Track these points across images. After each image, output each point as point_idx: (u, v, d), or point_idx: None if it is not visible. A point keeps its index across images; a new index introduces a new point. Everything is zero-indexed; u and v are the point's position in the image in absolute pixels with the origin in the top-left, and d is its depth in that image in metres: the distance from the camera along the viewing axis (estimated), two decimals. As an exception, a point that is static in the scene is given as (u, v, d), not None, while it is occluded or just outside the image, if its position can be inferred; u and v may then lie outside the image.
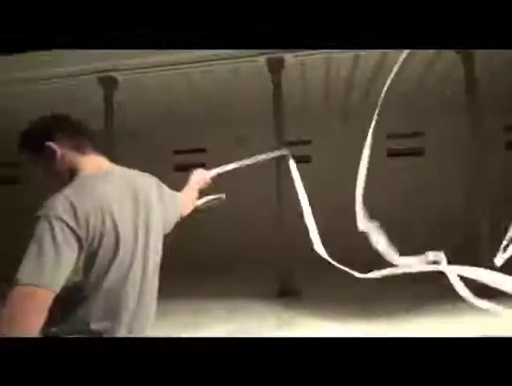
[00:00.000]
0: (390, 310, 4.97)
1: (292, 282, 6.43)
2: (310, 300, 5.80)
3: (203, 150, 11.25)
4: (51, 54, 7.25)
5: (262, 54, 6.82)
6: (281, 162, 6.84)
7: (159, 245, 1.35)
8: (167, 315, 5.31)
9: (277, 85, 7.00)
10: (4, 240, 9.43)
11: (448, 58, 6.97)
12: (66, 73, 7.49)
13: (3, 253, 8.58)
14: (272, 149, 6.87)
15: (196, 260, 9.96)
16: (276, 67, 6.92)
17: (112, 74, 7.41)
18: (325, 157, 10.66)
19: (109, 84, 7.51)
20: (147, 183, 1.36)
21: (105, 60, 7.16)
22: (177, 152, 11.51)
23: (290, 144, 8.44)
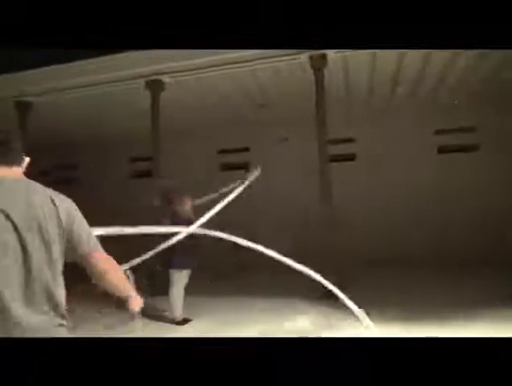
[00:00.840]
0: (440, 313, 4.78)
1: (341, 284, 6.31)
2: (358, 302, 5.68)
3: (247, 150, 11.36)
4: (98, 61, 7.66)
5: (303, 51, 6.76)
6: (326, 160, 6.78)
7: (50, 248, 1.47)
8: (209, 312, 5.43)
9: (320, 83, 6.91)
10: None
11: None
12: (114, 78, 7.83)
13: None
14: (315, 148, 6.90)
15: (242, 259, 10.07)
16: (319, 63, 6.84)
17: (158, 77, 7.67)
18: (370, 155, 10.40)
19: (155, 87, 7.77)
20: (39, 200, 1.49)
21: (152, 64, 7.44)
22: (221, 152, 11.69)
23: (333, 142, 8.35)
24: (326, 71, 6.95)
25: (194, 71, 7.48)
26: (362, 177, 10.21)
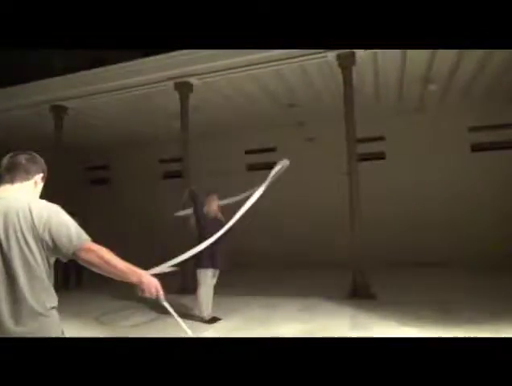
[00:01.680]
0: (469, 315, 4.63)
1: (367, 284, 6.24)
2: (384, 303, 5.59)
3: (273, 150, 11.36)
4: (128, 66, 7.89)
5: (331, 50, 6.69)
6: (353, 162, 6.68)
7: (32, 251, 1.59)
8: (238, 309, 5.47)
9: (348, 81, 6.82)
10: (96, 230, 10.31)
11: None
12: (143, 82, 8.03)
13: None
14: (343, 147, 6.81)
15: (271, 259, 10.11)
16: (347, 62, 6.74)
17: (187, 79, 7.79)
18: (400, 153, 10.18)
19: (184, 88, 7.89)
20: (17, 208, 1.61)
21: (180, 67, 7.58)
22: (248, 152, 11.74)
23: (362, 141, 8.21)
24: (354, 69, 6.85)
25: (221, 73, 7.55)
26: (392, 176, 10.01)
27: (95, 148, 12.63)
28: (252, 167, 11.59)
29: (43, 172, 1.83)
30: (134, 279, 1.72)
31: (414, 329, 4.23)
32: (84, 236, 1.66)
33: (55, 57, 9.41)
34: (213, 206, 5.18)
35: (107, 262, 1.64)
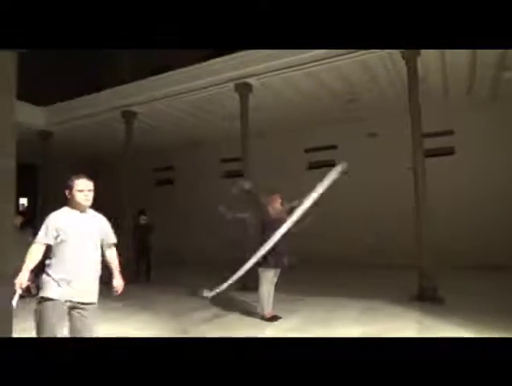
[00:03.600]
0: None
1: (434, 287, 5.91)
2: (453, 308, 5.25)
3: (334, 147, 11.16)
4: (189, 70, 8.22)
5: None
6: (419, 158, 6.35)
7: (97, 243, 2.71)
8: (296, 310, 5.45)
9: (412, 73, 6.49)
10: (163, 227, 10.83)
11: None
12: (205, 84, 8.31)
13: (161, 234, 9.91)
14: (406, 143, 6.50)
15: (335, 260, 9.96)
16: (411, 53, 6.42)
17: (246, 80, 7.93)
18: (469, 147, 9.48)
19: (244, 89, 8.04)
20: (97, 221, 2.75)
21: (240, 68, 7.75)
22: (307, 150, 11.65)
23: (428, 136, 7.78)
24: (419, 61, 6.51)
25: (279, 72, 7.58)
26: (462, 172, 9.38)
27: (161, 150, 13.30)
28: (312, 166, 11.49)
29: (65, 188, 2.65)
30: None
31: (484, 335, 3.93)
32: None
33: (125, 66, 10.08)
34: (276, 206, 5.14)
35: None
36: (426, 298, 5.78)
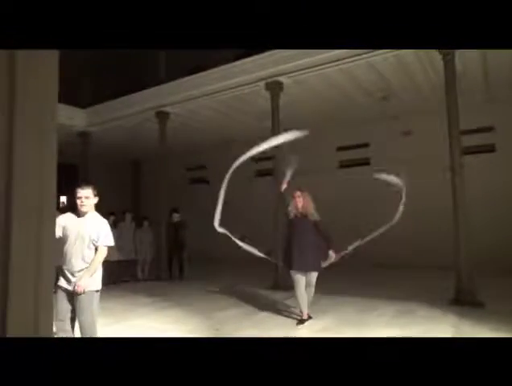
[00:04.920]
0: None
1: (472, 290, 5.68)
2: (492, 312, 5.03)
3: (366, 145, 10.95)
4: (221, 70, 8.31)
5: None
6: (457, 156, 6.12)
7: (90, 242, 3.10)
8: (329, 310, 5.39)
9: (450, 68, 6.26)
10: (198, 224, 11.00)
11: None
12: (236, 84, 8.38)
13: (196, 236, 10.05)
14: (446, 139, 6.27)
15: (370, 260, 9.75)
16: (448, 50, 6.18)
17: (277, 78, 7.91)
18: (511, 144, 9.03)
19: (275, 87, 8.03)
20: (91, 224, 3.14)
21: (270, 67, 7.75)
22: (340, 148, 11.47)
23: (467, 132, 7.48)
24: (457, 55, 6.27)
25: (310, 69, 7.52)
26: (503, 171, 8.95)
27: (194, 149, 13.51)
28: (344, 164, 11.33)
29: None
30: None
31: None
32: None
33: (161, 66, 10.31)
34: (297, 203, 4.90)
35: None
36: (464, 302, 5.57)
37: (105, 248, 3.11)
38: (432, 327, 4.45)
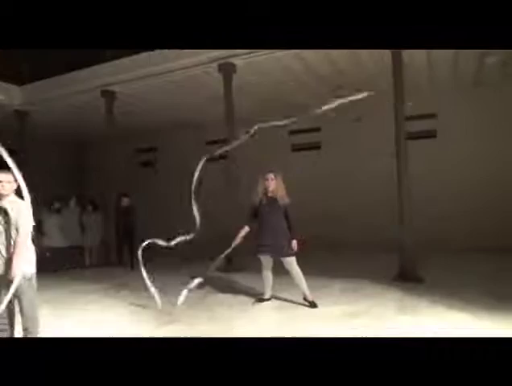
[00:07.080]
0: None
1: (414, 267, 6.07)
2: (433, 286, 5.42)
3: (317, 130, 11.13)
4: (171, 52, 7.91)
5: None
6: (401, 141, 6.42)
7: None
8: (286, 289, 5.51)
9: (397, 59, 6.51)
10: (145, 209, 10.71)
11: None
12: (187, 64, 8.13)
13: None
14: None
15: (316, 241, 10.02)
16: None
17: (230, 60, 7.74)
18: (451, 131, 9.61)
19: (227, 69, 7.87)
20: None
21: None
22: (292, 132, 11.56)
23: (411, 118, 7.83)
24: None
25: (264, 52, 7.44)
26: (443, 156, 9.51)
27: (143, 131, 13.02)
28: (296, 148, 11.49)
29: None
30: None
31: (463, 314, 4.08)
32: None
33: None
34: (268, 186, 4.77)
35: None
36: (406, 278, 5.93)
37: (25, 232, 3.01)
38: (378, 302, 4.74)
